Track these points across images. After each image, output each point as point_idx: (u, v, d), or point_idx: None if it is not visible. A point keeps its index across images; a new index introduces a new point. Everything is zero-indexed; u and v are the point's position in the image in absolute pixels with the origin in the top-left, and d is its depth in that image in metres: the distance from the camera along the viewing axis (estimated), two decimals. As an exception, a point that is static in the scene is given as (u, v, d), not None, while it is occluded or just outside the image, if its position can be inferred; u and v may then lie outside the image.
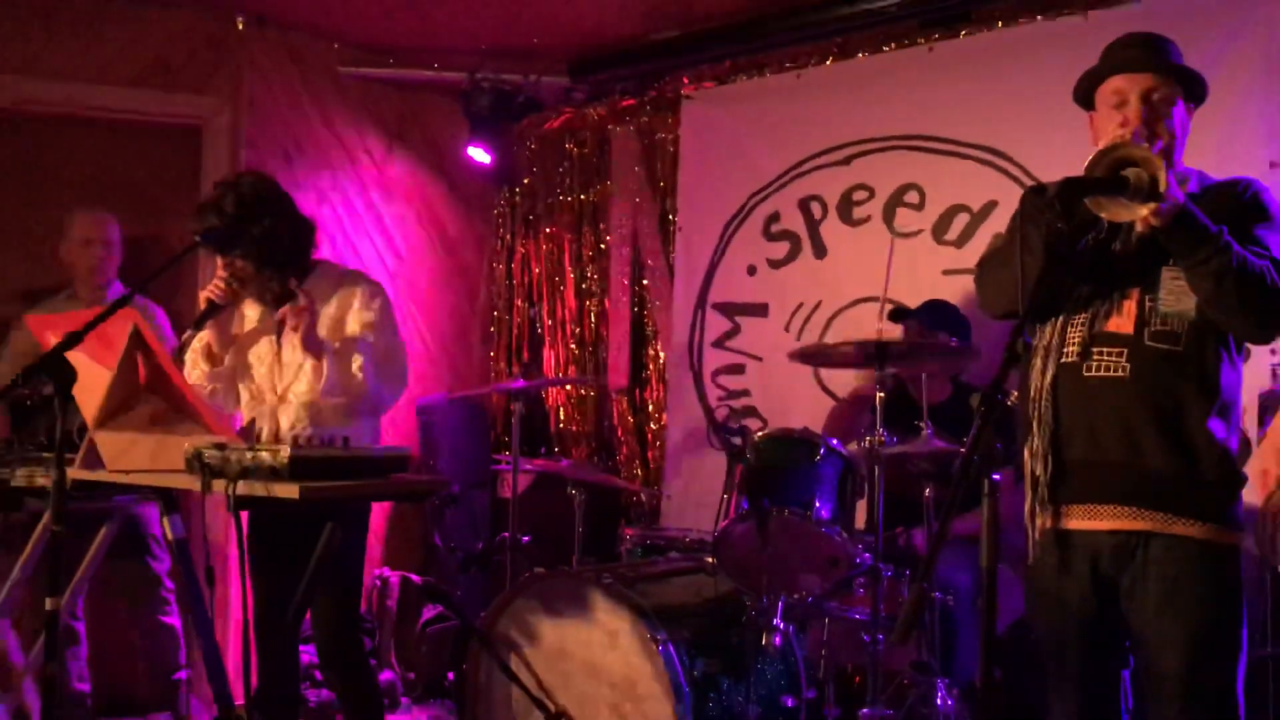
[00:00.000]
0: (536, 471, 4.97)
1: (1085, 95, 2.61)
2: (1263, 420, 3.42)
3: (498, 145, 5.91)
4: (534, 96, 5.96)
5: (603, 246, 5.98)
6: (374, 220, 5.84)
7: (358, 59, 5.71)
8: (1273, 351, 3.78)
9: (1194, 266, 2.34)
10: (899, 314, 4.24)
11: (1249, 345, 2.65)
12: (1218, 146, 3.87)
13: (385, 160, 5.92)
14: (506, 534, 4.63)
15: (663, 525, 5.20)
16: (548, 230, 6.21)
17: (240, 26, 5.28)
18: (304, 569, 2.77)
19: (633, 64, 5.63)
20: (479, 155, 5.88)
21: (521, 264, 6.32)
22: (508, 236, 6.39)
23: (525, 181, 6.30)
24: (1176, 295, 2.42)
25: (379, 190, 5.85)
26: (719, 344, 5.39)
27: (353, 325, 3.31)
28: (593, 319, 6.04)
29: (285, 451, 2.52)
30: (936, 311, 4.12)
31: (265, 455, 2.53)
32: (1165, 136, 2.46)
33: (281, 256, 3.26)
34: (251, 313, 3.43)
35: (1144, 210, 2.24)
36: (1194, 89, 2.55)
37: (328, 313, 3.32)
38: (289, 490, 2.49)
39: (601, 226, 5.99)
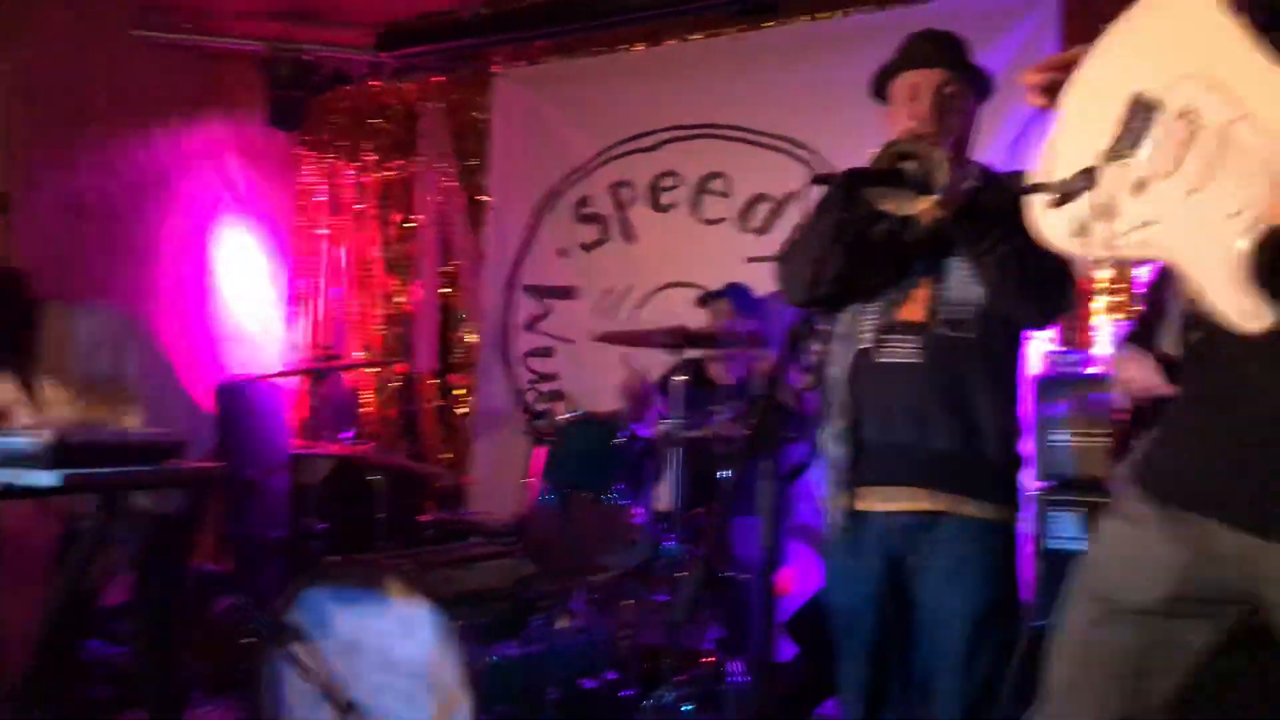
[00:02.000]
0: (338, 457, 4.78)
1: (881, 89, 2.64)
2: (1038, 404, 3.57)
3: (302, 118, 5.65)
4: (340, 69, 5.72)
5: (411, 226, 5.79)
6: (168, 195, 5.49)
7: (152, 22, 5.33)
8: (1050, 340, 3.96)
9: (978, 256, 2.39)
10: (708, 297, 4.24)
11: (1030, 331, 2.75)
12: (1011, 142, 4.02)
13: (182, 131, 5.56)
14: (312, 521, 4.43)
15: (468, 510, 5.09)
16: (355, 208, 5.98)
17: (21, -19, 4.86)
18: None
19: (443, 39, 5.48)
20: (281, 128, 5.60)
21: (326, 243, 6.06)
22: (311, 214, 6.11)
23: (330, 157, 6.05)
24: (964, 283, 2.47)
25: (175, 162, 5.49)
26: (530, 326, 5.32)
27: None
28: (399, 300, 5.85)
29: (47, 435, 2.30)
30: (741, 294, 4.14)
31: (22, 440, 2.31)
32: (956, 130, 2.51)
33: None
34: None
35: (924, 203, 2.27)
36: (983, 86, 2.61)
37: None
38: (50, 478, 2.27)
39: (410, 205, 5.80)
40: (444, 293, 5.69)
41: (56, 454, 2.29)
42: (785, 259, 2.68)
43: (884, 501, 2.48)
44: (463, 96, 5.62)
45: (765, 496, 1.93)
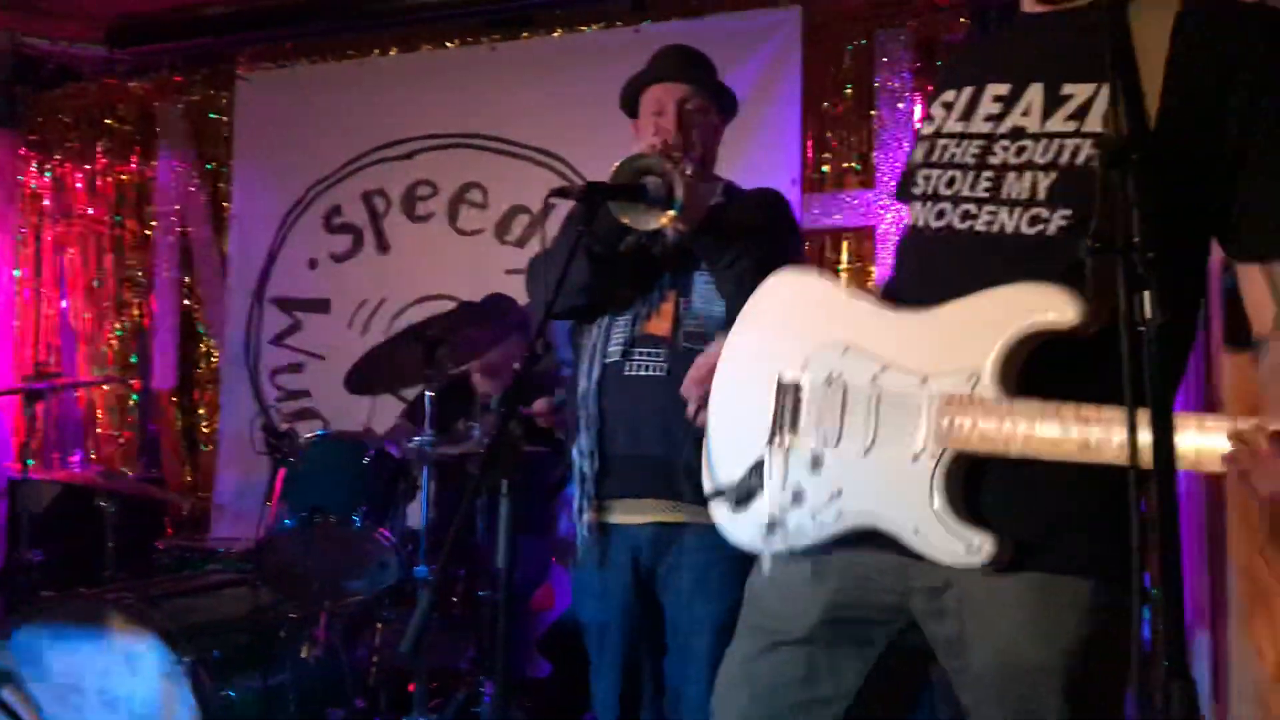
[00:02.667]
0: (64, 482, 4.42)
1: (629, 103, 2.67)
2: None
3: (25, 116, 5.21)
4: (67, 65, 5.32)
5: (147, 233, 5.45)
6: None
7: None
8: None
9: (719, 271, 2.44)
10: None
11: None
12: (751, 165, 4.14)
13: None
14: (29, 553, 4.07)
15: (210, 536, 4.81)
16: (84, 214, 5.56)
17: None
18: None
19: (182, 38, 5.17)
20: (1, 125, 5.15)
21: (53, 249, 5.62)
22: (35, 218, 5.65)
23: (57, 158, 5.61)
24: (707, 298, 2.52)
25: None
26: (278, 341, 5.08)
27: None
28: (136, 312, 5.48)
29: None
30: (496, 306, 4.07)
31: None
32: (699, 146, 2.56)
33: None
34: None
35: (663, 219, 2.29)
36: (726, 104, 2.67)
37: None
38: None
39: (147, 210, 5.45)
40: (185, 305, 5.37)
41: None
42: (532, 272, 2.67)
43: (630, 514, 2.50)
44: (204, 98, 5.33)
45: (504, 515, 1.90)
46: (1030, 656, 1.30)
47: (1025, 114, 1.38)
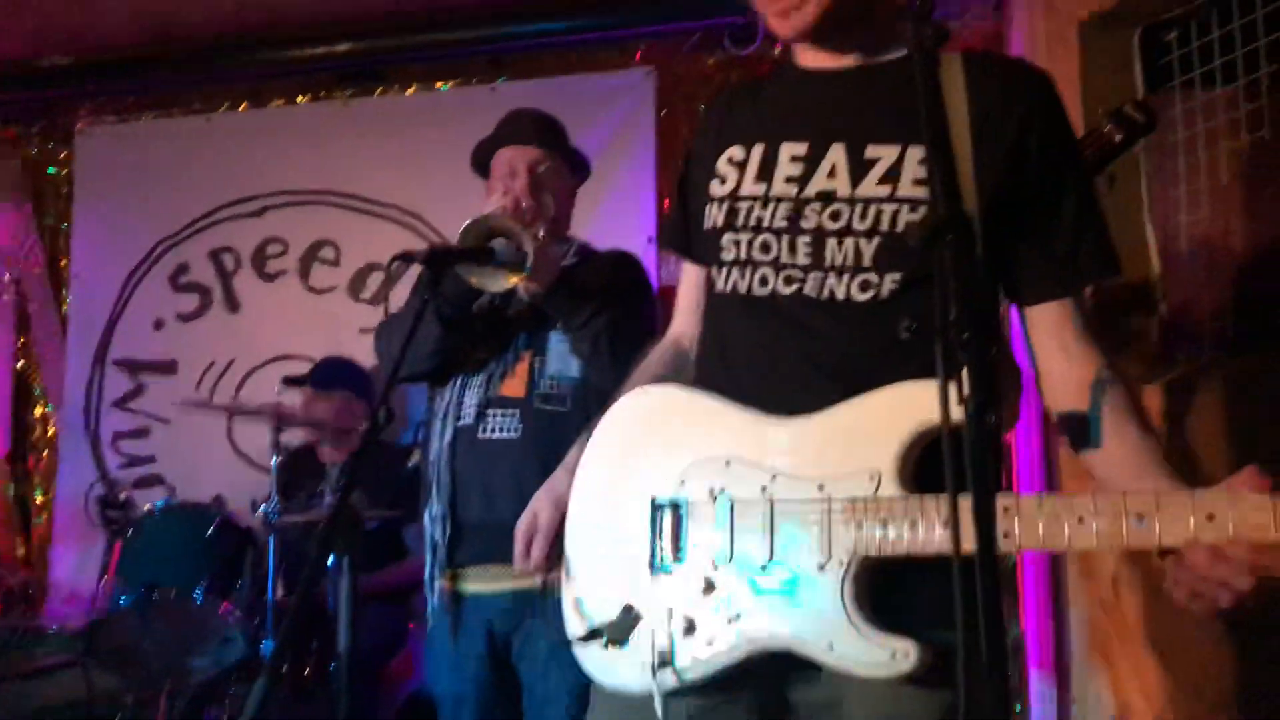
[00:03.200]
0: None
1: (481, 163, 2.67)
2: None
3: None
4: (-112, 116, 5.04)
5: (-21, 293, 5.16)
6: None
7: None
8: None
9: (572, 330, 2.44)
10: (291, 381, 4.02)
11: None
12: (607, 224, 4.16)
13: None
14: None
15: (44, 615, 4.53)
16: (-93, 274, 5.25)
17: None
18: None
19: (17, 89, 4.95)
20: None
21: (-128, 311, 5.28)
22: None
23: (-122, 214, 5.29)
24: (562, 358, 2.51)
25: None
26: (121, 405, 4.87)
27: None
28: (-35, 377, 5.18)
29: None
30: (329, 371, 3.97)
31: None
32: (551, 208, 2.57)
33: None
34: None
35: (513, 280, 2.28)
36: (578, 167, 2.69)
37: None
38: None
39: (-22, 270, 5.18)
40: (19, 367, 5.10)
41: None
42: (381, 335, 2.63)
43: (485, 582, 2.46)
44: (42, 151, 5.11)
45: (345, 591, 1.83)
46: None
47: (831, 176, 1.38)
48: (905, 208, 1.34)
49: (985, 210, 1.30)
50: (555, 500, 1.74)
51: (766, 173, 1.43)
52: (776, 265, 1.40)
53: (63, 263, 5.06)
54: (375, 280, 4.63)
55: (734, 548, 1.31)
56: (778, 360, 1.40)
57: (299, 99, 4.81)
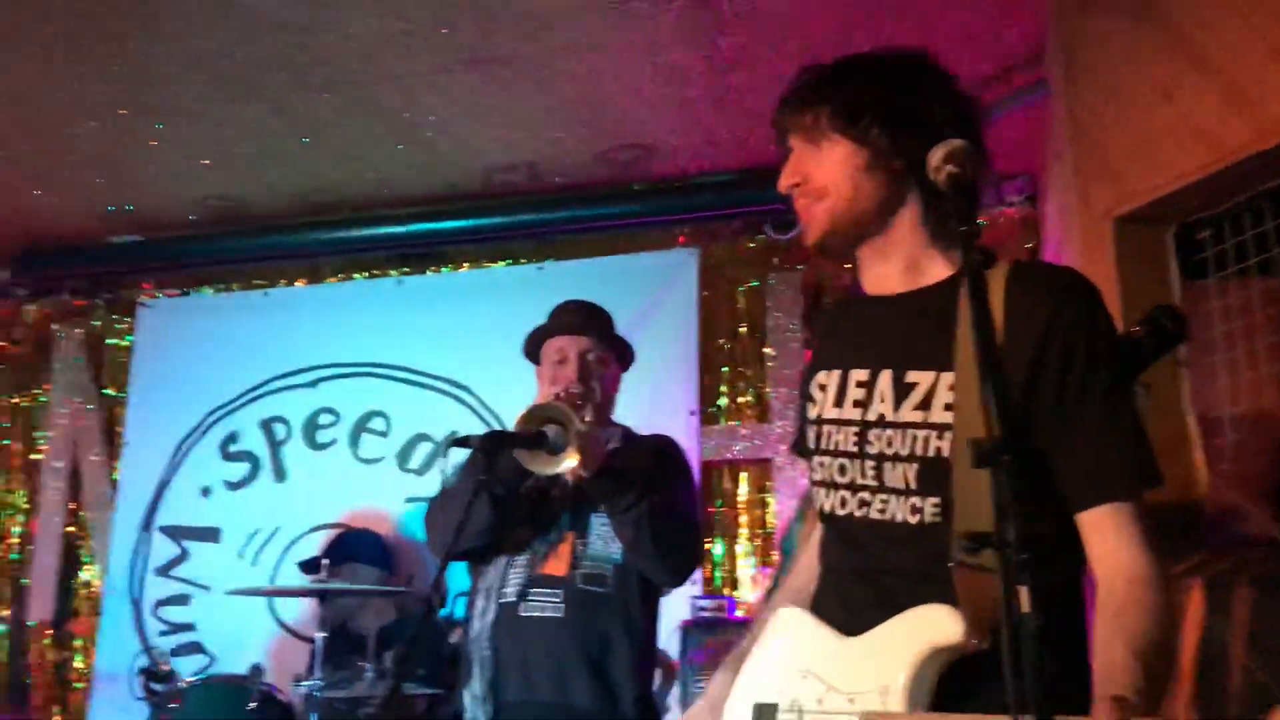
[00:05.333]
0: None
1: (533, 350, 2.75)
2: (684, 650, 3.64)
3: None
4: (-36, 287, 5.26)
5: (34, 457, 5.27)
6: None
7: None
8: (692, 583, 4.07)
9: (615, 515, 2.47)
10: (308, 565, 4.03)
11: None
12: (650, 398, 4.23)
13: None
14: None
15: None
16: (-30, 436, 5.38)
17: None
18: None
19: (86, 264, 5.18)
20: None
21: (-68, 474, 5.39)
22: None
23: (-54, 379, 5.46)
24: (604, 539, 2.54)
25: None
26: (164, 571, 4.89)
27: None
28: (15, 539, 5.24)
29: None
30: (345, 548, 4.00)
31: None
32: (598, 393, 2.63)
33: None
34: None
35: (563, 465, 2.33)
36: (624, 355, 2.77)
37: None
38: None
39: (36, 435, 5.29)
40: (68, 532, 5.15)
41: None
42: (431, 514, 2.66)
43: (526, 760, 2.42)
44: (105, 323, 5.30)
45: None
46: None
47: (883, 401, 1.44)
48: (934, 434, 1.37)
49: (1014, 424, 1.32)
50: None
51: (840, 398, 1.50)
52: (851, 488, 1.46)
53: (117, 430, 5.16)
54: (423, 451, 4.69)
55: None
56: (842, 577, 1.48)
57: (355, 276, 4.98)
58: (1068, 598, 1.40)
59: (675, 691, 3.76)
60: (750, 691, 1.54)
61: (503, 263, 4.82)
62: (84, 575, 5.12)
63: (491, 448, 2.25)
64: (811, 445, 1.54)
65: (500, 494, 2.48)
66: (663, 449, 2.73)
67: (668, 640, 3.83)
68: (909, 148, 1.39)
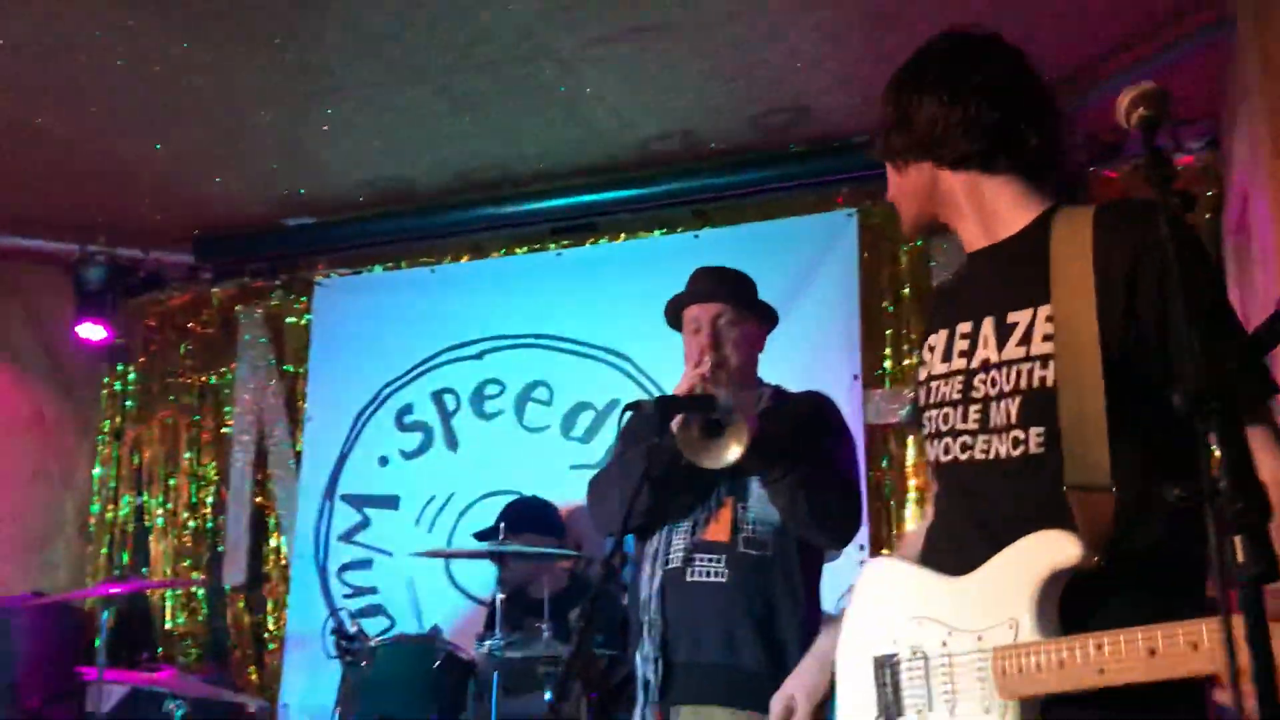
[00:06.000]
0: (133, 684, 4.41)
1: (673, 319, 2.79)
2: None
3: (111, 322, 5.46)
4: (155, 273, 5.62)
5: (224, 432, 5.60)
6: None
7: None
8: (861, 548, 4.06)
9: (771, 483, 2.49)
10: (484, 535, 4.16)
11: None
12: (812, 364, 4.21)
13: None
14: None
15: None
16: (163, 414, 5.75)
17: None
18: None
19: (265, 247, 5.46)
20: (89, 332, 5.39)
21: (131, 449, 5.78)
22: (117, 419, 5.84)
23: (141, 361, 5.85)
24: (763, 504, 2.57)
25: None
26: (347, 537, 5.14)
27: None
28: (209, 510, 5.58)
29: None
30: (519, 516, 4.09)
31: None
32: (734, 358, 2.65)
33: None
34: None
35: (729, 457, 2.37)
36: (763, 315, 2.78)
37: None
38: None
39: (225, 411, 5.62)
40: (258, 503, 5.46)
41: None
42: (596, 492, 2.72)
43: (695, 720, 2.48)
44: (284, 302, 5.56)
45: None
46: None
47: (986, 346, 1.50)
48: (1037, 365, 1.42)
49: (1117, 357, 1.36)
50: (809, 691, 1.78)
51: (947, 353, 1.56)
52: (954, 433, 1.51)
53: (299, 405, 5.44)
54: (586, 419, 4.80)
55: (931, 696, 1.43)
56: (952, 523, 1.53)
57: (516, 250, 5.11)
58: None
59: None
60: (860, 645, 1.56)
61: (659, 231, 4.86)
62: (273, 542, 5.42)
63: (665, 411, 2.30)
64: (922, 404, 1.59)
65: (660, 474, 2.52)
66: (816, 407, 2.73)
67: (839, 604, 3.83)
68: (990, 133, 1.50)
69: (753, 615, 2.50)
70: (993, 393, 1.46)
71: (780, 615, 2.52)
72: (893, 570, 1.60)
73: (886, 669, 1.49)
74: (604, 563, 2.05)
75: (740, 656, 2.48)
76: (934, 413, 1.54)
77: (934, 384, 1.56)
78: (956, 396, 1.51)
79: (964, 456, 1.49)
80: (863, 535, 4.09)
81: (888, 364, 4.37)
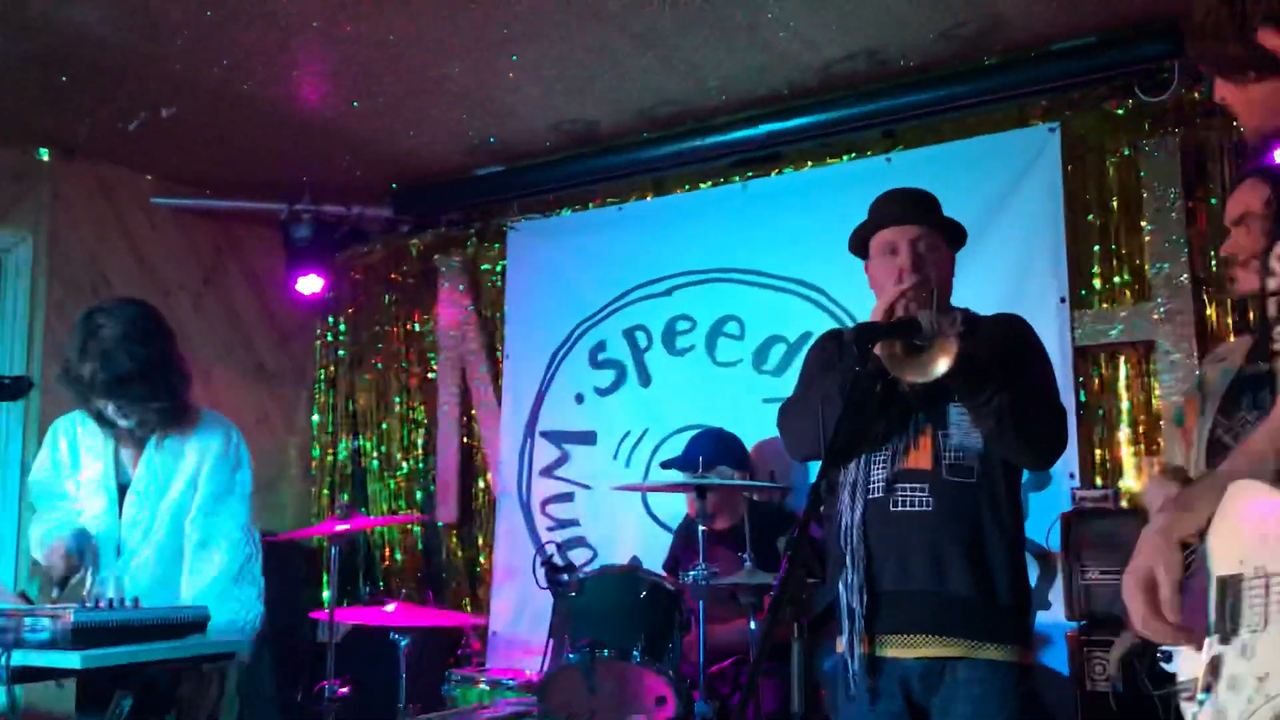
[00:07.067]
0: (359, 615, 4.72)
1: (860, 246, 2.75)
2: (1065, 541, 3.55)
3: (319, 276, 5.78)
4: (357, 227, 5.89)
5: (430, 377, 5.87)
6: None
7: (172, 190, 5.55)
8: (1071, 475, 3.94)
9: (975, 408, 2.45)
10: (671, 464, 4.22)
11: (1050, 471, 2.74)
12: (1016, 286, 4.09)
13: (200, 291, 5.71)
14: (330, 684, 4.35)
15: (490, 666, 5.00)
16: (373, 361, 6.08)
17: (45, 159, 5.08)
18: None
19: (457, 197, 5.64)
20: (305, 285, 5.72)
21: (345, 396, 6.14)
22: (331, 368, 6.21)
23: (349, 312, 6.18)
24: (964, 430, 2.55)
25: (193, 323, 5.61)
26: (548, 472, 5.32)
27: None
28: (420, 451, 5.88)
29: (69, 616, 2.31)
30: (705, 449, 4.12)
31: (46, 621, 2.32)
32: (934, 281, 2.61)
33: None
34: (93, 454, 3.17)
35: (937, 369, 2.33)
36: (954, 236, 2.71)
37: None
38: (69, 660, 2.27)
39: (429, 357, 5.89)
40: (464, 443, 5.71)
41: (76, 636, 2.29)
42: (787, 417, 2.73)
43: (902, 649, 2.50)
44: (478, 250, 5.76)
45: (796, 659, 1.92)
46: None
47: None
48: None
49: None
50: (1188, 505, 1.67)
51: None
52: None
53: (497, 347, 5.64)
54: (778, 352, 4.79)
55: (1269, 616, 1.40)
56: None
57: (701, 185, 5.11)
58: None
59: (1058, 584, 3.68)
60: (1211, 568, 1.54)
61: (847, 157, 4.77)
62: (480, 482, 5.67)
63: (864, 339, 2.28)
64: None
65: (859, 397, 2.51)
66: (1013, 328, 2.68)
67: (1049, 533, 3.75)
68: None
69: (961, 542, 2.48)
70: None
71: (989, 541, 2.50)
72: (1249, 490, 1.55)
73: (1229, 589, 1.48)
74: (812, 489, 2.06)
75: (950, 583, 2.47)
76: None
77: None
78: None
79: None
80: (1073, 462, 3.98)
81: (1096, 283, 4.17)
